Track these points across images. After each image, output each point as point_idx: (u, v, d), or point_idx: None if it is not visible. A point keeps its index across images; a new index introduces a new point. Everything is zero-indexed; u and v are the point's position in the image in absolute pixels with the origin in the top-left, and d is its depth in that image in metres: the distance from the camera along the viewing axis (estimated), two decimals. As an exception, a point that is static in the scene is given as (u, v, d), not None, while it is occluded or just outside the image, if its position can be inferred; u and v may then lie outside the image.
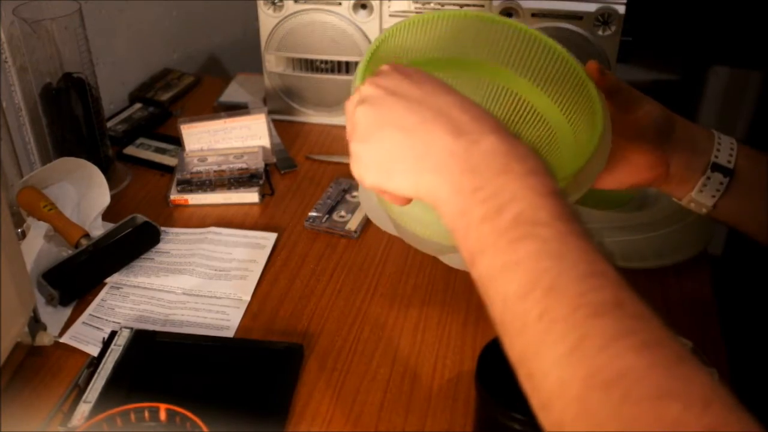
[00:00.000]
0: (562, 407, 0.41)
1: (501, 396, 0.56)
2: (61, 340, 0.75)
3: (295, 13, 1.05)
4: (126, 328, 0.74)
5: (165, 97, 1.19)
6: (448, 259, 0.83)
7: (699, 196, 0.69)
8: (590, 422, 0.39)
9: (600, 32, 0.99)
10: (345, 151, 1.02)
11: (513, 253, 0.45)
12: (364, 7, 1.03)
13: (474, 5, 1.00)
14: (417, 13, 1.00)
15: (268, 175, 1.00)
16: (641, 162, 0.68)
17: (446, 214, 0.50)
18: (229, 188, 0.96)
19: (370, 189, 0.55)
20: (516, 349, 0.44)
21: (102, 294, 0.82)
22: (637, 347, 0.39)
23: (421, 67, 0.56)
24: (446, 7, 1.01)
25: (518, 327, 0.44)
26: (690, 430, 0.36)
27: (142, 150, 1.07)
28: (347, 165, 1.03)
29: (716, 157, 0.68)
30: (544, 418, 0.42)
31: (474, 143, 0.49)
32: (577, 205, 0.52)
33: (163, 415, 0.59)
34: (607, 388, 0.39)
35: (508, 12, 0.99)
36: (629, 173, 0.69)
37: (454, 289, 0.82)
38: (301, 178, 1.01)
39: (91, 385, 0.68)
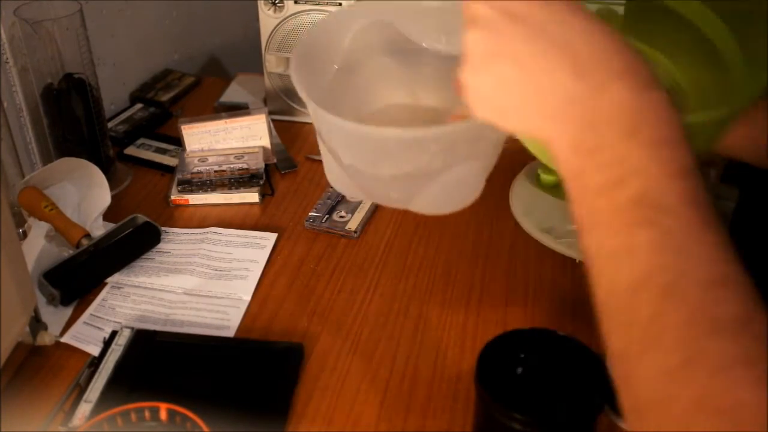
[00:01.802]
0: (660, 421, 0.37)
1: (501, 396, 0.56)
2: (62, 339, 0.76)
3: (295, 13, 1.05)
4: (127, 327, 0.74)
5: (166, 97, 1.19)
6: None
7: None
8: None
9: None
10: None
11: (629, 238, 0.39)
12: (364, 7, 1.03)
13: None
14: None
15: (269, 176, 1.00)
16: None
17: (561, 168, 0.44)
18: (229, 188, 0.96)
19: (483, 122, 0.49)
20: (616, 342, 0.40)
21: (103, 294, 0.82)
22: (755, 381, 0.35)
23: None
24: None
25: (623, 320, 0.39)
26: None
27: (143, 150, 1.07)
28: (347, 165, 1.03)
29: None
30: (633, 421, 0.39)
31: (598, 90, 0.42)
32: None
33: (163, 415, 0.59)
34: (717, 415, 0.35)
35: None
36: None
37: (454, 289, 0.82)
38: (301, 178, 1.02)
39: (91, 384, 0.68)
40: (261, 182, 0.97)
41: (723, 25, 0.64)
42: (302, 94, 0.63)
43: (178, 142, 1.03)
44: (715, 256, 0.38)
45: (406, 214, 0.94)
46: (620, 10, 0.70)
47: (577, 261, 0.84)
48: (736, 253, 0.39)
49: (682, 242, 0.38)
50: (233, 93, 1.21)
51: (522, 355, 0.59)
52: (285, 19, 1.06)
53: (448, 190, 0.68)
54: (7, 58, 0.92)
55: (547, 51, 0.43)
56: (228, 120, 1.00)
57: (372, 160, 0.66)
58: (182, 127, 1.00)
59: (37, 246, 0.85)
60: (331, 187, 0.96)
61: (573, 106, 0.42)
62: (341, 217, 0.92)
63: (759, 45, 0.58)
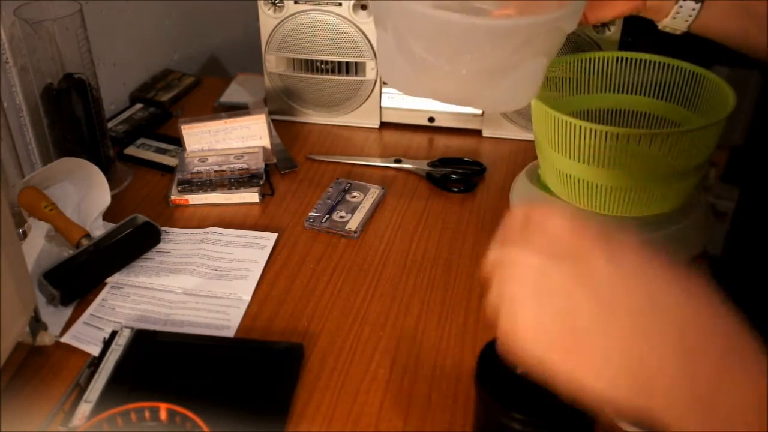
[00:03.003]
0: None
1: (501, 396, 0.56)
2: (62, 339, 0.76)
3: (295, 13, 1.05)
4: (127, 327, 0.74)
5: (166, 97, 1.19)
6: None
7: (672, 23, 0.79)
8: None
9: (600, 33, 0.99)
10: (345, 151, 1.02)
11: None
12: (364, 7, 1.03)
13: None
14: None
15: (269, 176, 1.00)
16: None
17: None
18: (229, 188, 0.96)
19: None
20: None
21: (103, 294, 0.82)
22: None
23: None
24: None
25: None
26: None
27: (143, 150, 1.07)
28: (347, 165, 1.04)
29: None
30: None
31: (652, 379, 0.40)
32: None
33: (163, 415, 0.59)
34: None
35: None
36: (609, 7, 0.79)
37: (454, 289, 0.82)
38: (301, 178, 1.02)
39: (91, 384, 0.68)
40: (261, 182, 0.97)
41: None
42: None
43: (178, 142, 1.03)
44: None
45: (406, 214, 0.94)
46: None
47: (577, 261, 0.84)
48: None
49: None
50: (233, 93, 1.21)
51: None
52: (285, 19, 1.06)
53: (516, 86, 0.69)
54: (7, 58, 0.92)
55: (604, 317, 0.41)
56: (228, 120, 1.00)
57: (453, 52, 0.66)
58: (182, 127, 1.00)
59: (37, 246, 0.85)
60: (331, 187, 0.97)
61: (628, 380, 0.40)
62: (341, 217, 0.92)
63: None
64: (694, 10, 0.77)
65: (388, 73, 0.72)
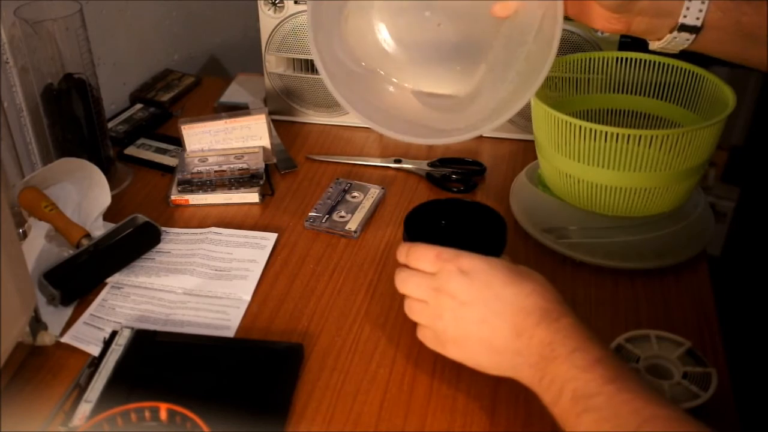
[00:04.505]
0: None
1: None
2: (62, 339, 0.76)
3: (295, 13, 1.05)
4: (127, 327, 0.74)
5: (166, 97, 1.19)
6: None
7: (666, 48, 0.76)
8: None
9: (599, 33, 0.99)
10: (345, 151, 1.02)
11: (580, 426, 0.54)
12: (364, 7, 1.03)
13: None
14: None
15: (269, 176, 1.00)
16: (600, 17, 0.74)
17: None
18: (229, 188, 0.96)
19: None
20: None
21: (103, 294, 0.82)
22: None
23: None
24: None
25: None
26: None
27: (143, 150, 1.07)
28: (347, 165, 1.04)
29: (684, 17, 0.71)
30: None
31: (529, 338, 0.60)
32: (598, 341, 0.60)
33: (163, 415, 0.59)
34: None
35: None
36: (593, 22, 0.75)
37: (453, 289, 0.82)
38: (301, 178, 1.02)
39: (91, 384, 0.68)
40: (261, 182, 0.97)
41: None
42: None
43: (178, 142, 1.03)
44: (639, 405, 0.52)
45: (406, 214, 0.94)
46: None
47: (577, 261, 0.84)
48: (656, 393, 0.54)
49: (612, 412, 0.53)
50: (233, 93, 1.21)
51: (443, 222, 0.76)
52: (285, 19, 1.06)
53: None
54: (7, 58, 0.92)
55: (490, 318, 0.63)
56: (228, 120, 1.00)
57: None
58: (182, 127, 1.00)
59: (38, 246, 0.85)
60: (331, 187, 0.97)
61: (521, 357, 0.61)
62: (341, 217, 0.92)
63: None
64: (688, 39, 0.73)
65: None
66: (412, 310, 0.69)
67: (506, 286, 0.63)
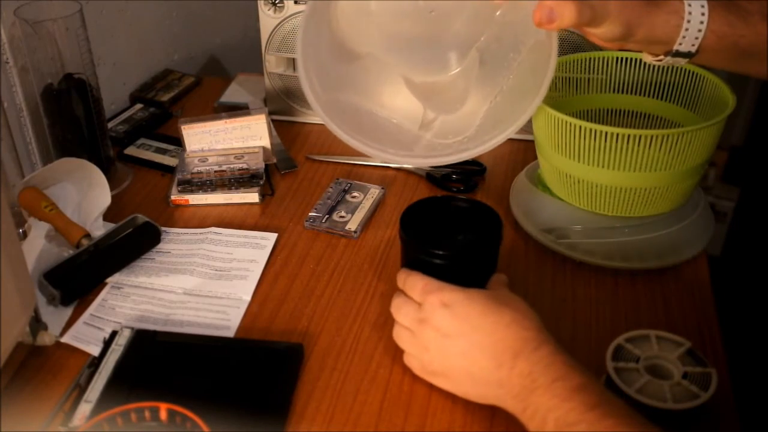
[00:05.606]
0: None
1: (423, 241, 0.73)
2: (62, 339, 0.76)
3: (295, 14, 1.05)
4: (127, 327, 0.74)
5: (166, 97, 1.19)
6: None
7: (660, 65, 0.78)
8: None
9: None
10: (345, 151, 1.02)
11: None
12: (364, 7, 1.03)
13: None
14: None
15: (269, 176, 1.00)
16: (594, 37, 0.74)
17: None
18: (229, 188, 0.96)
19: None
20: None
21: (103, 294, 0.82)
22: None
23: None
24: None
25: None
26: None
27: (143, 150, 1.07)
28: (347, 165, 1.04)
29: (680, 44, 0.71)
30: None
31: (510, 370, 0.62)
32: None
33: (163, 415, 0.59)
34: None
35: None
36: (588, 38, 0.75)
37: (453, 289, 0.82)
38: (301, 178, 1.02)
39: (91, 384, 0.68)
40: (261, 182, 0.97)
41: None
42: None
43: (178, 142, 1.03)
44: (623, 431, 0.54)
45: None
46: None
47: (577, 261, 0.84)
48: (635, 416, 0.56)
49: None
50: (233, 93, 1.21)
51: (438, 219, 0.77)
52: (285, 19, 1.06)
53: None
54: (7, 58, 0.92)
55: (471, 350, 0.64)
56: (228, 120, 1.00)
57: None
58: (182, 127, 1.00)
59: (38, 246, 0.85)
60: (331, 187, 0.97)
61: (503, 388, 0.62)
62: (341, 217, 0.92)
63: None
64: (683, 61, 0.74)
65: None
66: (400, 338, 0.70)
67: (485, 316, 0.64)
